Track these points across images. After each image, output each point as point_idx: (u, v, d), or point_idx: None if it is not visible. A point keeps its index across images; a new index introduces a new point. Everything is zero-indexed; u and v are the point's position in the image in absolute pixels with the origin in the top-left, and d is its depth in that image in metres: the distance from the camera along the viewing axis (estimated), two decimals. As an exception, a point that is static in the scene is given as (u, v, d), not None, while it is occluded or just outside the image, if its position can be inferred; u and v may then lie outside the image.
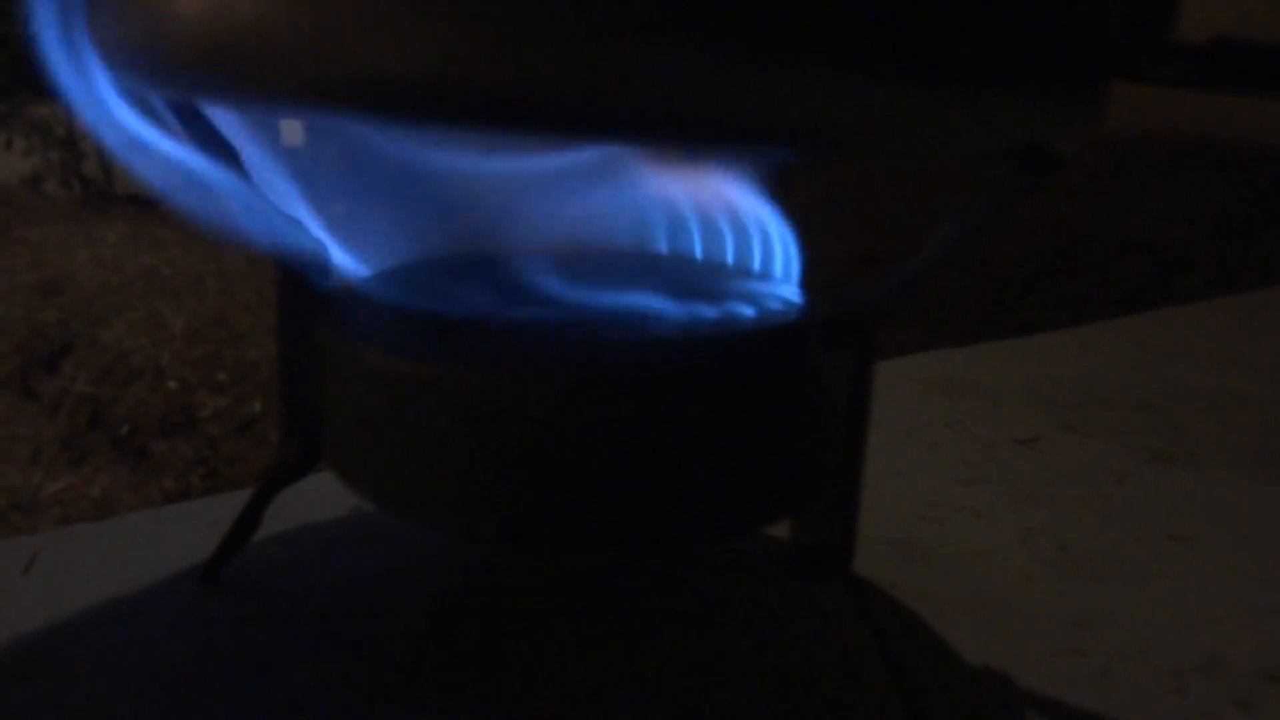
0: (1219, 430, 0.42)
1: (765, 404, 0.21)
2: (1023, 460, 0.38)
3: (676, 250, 0.27)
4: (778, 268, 0.26)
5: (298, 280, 0.24)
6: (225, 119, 0.22)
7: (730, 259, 0.27)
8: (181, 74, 0.18)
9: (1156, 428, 0.42)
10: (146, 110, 0.22)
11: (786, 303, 0.24)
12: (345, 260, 0.24)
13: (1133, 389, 0.47)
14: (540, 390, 0.20)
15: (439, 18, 0.16)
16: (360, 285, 0.24)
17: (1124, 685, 0.25)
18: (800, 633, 0.26)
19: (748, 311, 0.23)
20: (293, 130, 0.24)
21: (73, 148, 1.98)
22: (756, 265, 0.26)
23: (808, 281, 0.25)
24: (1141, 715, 0.23)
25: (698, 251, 0.27)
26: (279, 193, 0.23)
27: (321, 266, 0.23)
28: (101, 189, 1.95)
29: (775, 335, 0.22)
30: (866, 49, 0.16)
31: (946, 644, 0.26)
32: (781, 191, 0.25)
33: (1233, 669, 0.25)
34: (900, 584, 0.29)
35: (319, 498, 0.31)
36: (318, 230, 0.24)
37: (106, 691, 0.23)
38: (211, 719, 0.22)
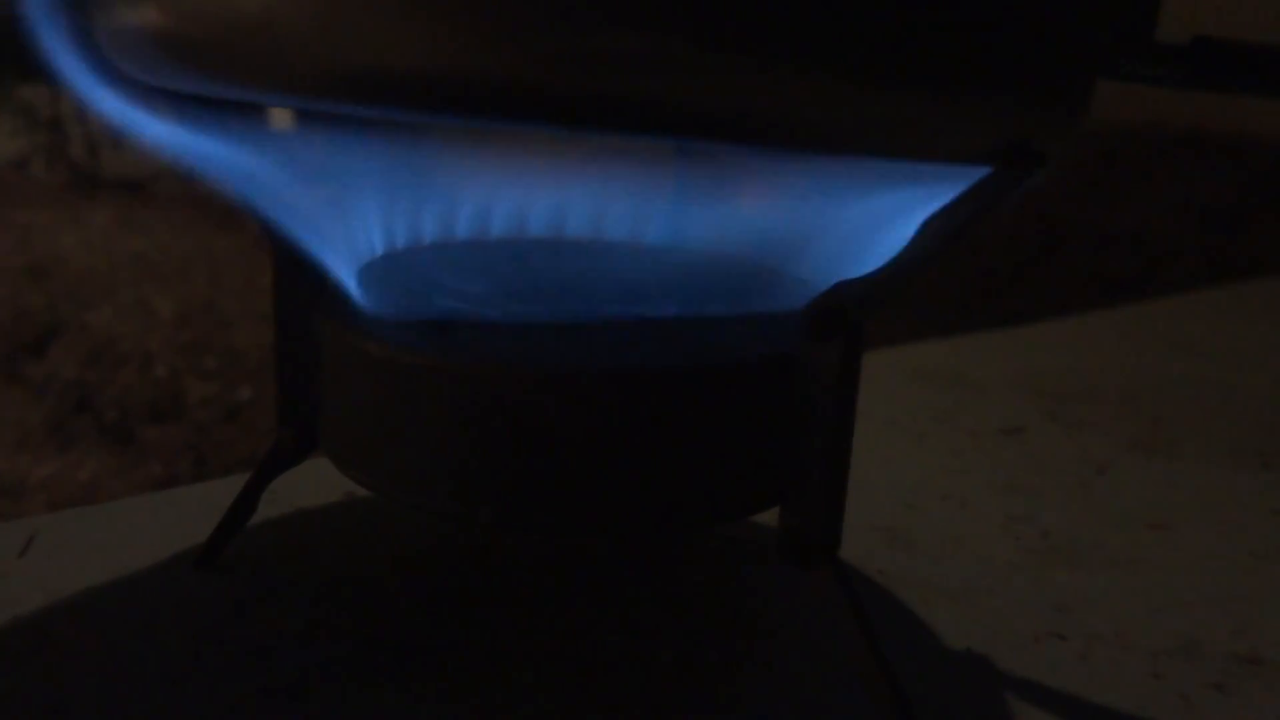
0: (1201, 421, 0.43)
1: (754, 393, 0.21)
2: (1007, 450, 0.39)
3: (669, 241, 0.27)
4: (768, 259, 0.26)
5: (295, 266, 0.24)
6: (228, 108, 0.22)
7: (722, 249, 0.27)
8: (185, 64, 0.18)
9: (1139, 418, 0.43)
10: (142, 97, 0.22)
11: (776, 293, 0.24)
12: (342, 251, 0.25)
13: (1117, 380, 0.48)
14: (536, 379, 0.20)
15: (443, 11, 0.16)
16: (359, 274, 0.24)
17: (1103, 668, 0.25)
18: (788, 618, 0.26)
19: (738, 302, 0.23)
20: (282, 117, 0.24)
21: (59, 130, 1.96)
22: (748, 255, 0.27)
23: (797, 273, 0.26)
24: (1120, 697, 0.24)
25: (689, 242, 0.27)
26: (276, 179, 0.24)
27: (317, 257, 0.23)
28: (88, 172, 1.93)
29: (764, 325, 0.22)
30: (851, 48, 0.17)
31: (931, 629, 0.26)
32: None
33: (1208, 652, 0.26)
34: (886, 570, 0.29)
35: (313, 484, 0.32)
36: (315, 221, 0.24)
37: (104, 671, 0.23)
38: (207, 701, 0.22)
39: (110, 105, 0.21)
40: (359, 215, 0.25)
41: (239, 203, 0.22)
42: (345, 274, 0.24)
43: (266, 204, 0.22)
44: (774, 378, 0.21)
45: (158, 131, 0.21)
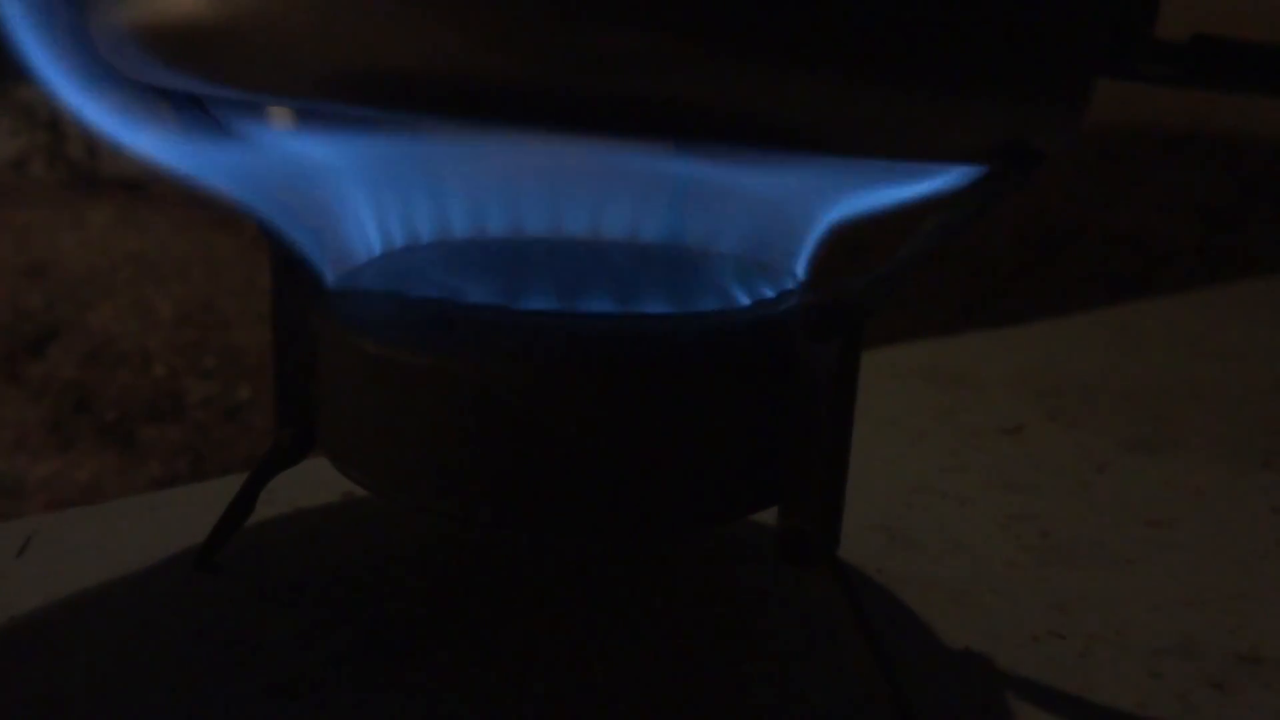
0: (1199, 420, 0.43)
1: (754, 392, 0.21)
2: (1007, 449, 0.39)
3: (668, 239, 0.27)
4: (769, 256, 0.26)
5: (293, 266, 0.24)
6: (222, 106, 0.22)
7: (722, 247, 0.27)
8: (184, 65, 0.18)
9: (1138, 417, 0.43)
10: (135, 94, 0.22)
11: (776, 292, 0.24)
12: (337, 249, 0.25)
13: (1116, 379, 0.48)
14: (535, 378, 0.20)
15: (442, 11, 0.16)
16: (356, 273, 0.24)
17: (1102, 667, 0.25)
18: (787, 618, 0.26)
19: (738, 301, 0.23)
20: (282, 114, 0.24)
21: (57, 130, 1.96)
22: (748, 254, 0.27)
23: (797, 270, 0.26)
24: (1119, 696, 0.24)
25: (689, 240, 0.27)
26: (274, 180, 0.24)
27: (313, 256, 0.24)
28: (87, 172, 1.93)
29: (764, 324, 0.22)
30: (850, 48, 0.17)
31: (930, 627, 0.26)
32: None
33: (1207, 651, 0.26)
34: (886, 569, 0.29)
35: (311, 484, 0.31)
36: (310, 220, 0.24)
37: (103, 670, 0.23)
38: (207, 699, 0.22)
39: (93, 112, 0.21)
40: (357, 214, 0.25)
41: (233, 205, 0.22)
42: (342, 272, 0.24)
43: (262, 205, 0.22)
44: (773, 377, 0.21)
45: (142, 140, 0.21)
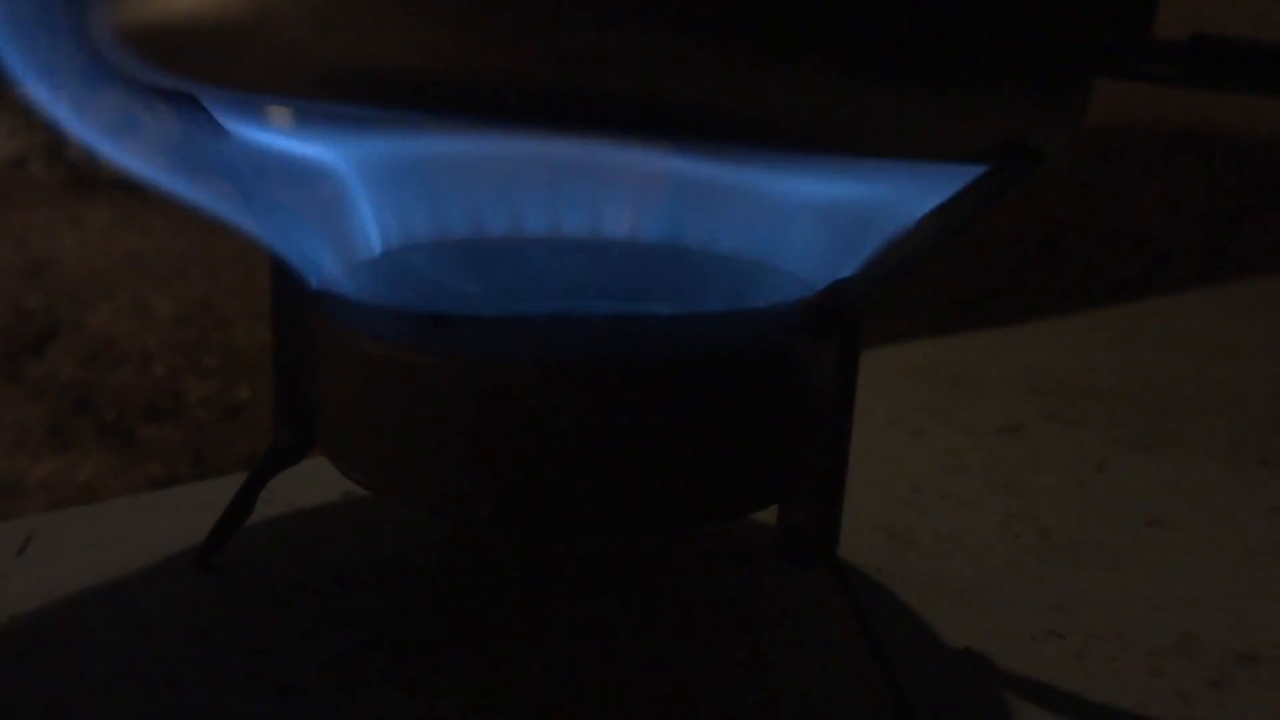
0: (1199, 419, 0.43)
1: (752, 391, 0.21)
2: (1006, 448, 0.39)
3: (665, 238, 0.27)
4: (765, 256, 0.26)
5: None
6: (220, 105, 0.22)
7: (720, 247, 0.27)
8: (181, 62, 0.18)
9: (1138, 416, 0.43)
10: (132, 93, 0.22)
11: (774, 290, 0.24)
12: (335, 249, 0.25)
13: (1116, 378, 0.48)
14: (533, 377, 0.20)
15: (442, 11, 0.16)
16: (356, 272, 0.24)
17: (1101, 666, 0.25)
18: (787, 617, 0.26)
19: (735, 299, 0.23)
20: (281, 113, 0.24)
21: (57, 130, 1.96)
22: (746, 253, 0.27)
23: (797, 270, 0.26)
24: (1118, 695, 0.24)
25: (687, 240, 0.27)
26: (270, 180, 0.24)
27: (311, 259, 0.24)
28: (86, 172, 1.93)
29: (763, 323, 0.22)
30: (848, 46, 0.17)
31: (929, 627, 0.26)
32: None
33: (1206, 650, 0.26)
34: (885, 569, 0.29)
35: (311, 483, 0.31)
36: (307, 219, 0.24)
37: (102, 670, 0.23)
38: (205, 700, 0.22)
39: (77, 121, 0.21)
40: (356, 213, 0.25)
41: (220, 216, 0.22)
42: (338, 273, 0.24)
43: (253, 209, 0.22)
44: (773, 375, 0.21)
45: (129, 151, 0.21)
